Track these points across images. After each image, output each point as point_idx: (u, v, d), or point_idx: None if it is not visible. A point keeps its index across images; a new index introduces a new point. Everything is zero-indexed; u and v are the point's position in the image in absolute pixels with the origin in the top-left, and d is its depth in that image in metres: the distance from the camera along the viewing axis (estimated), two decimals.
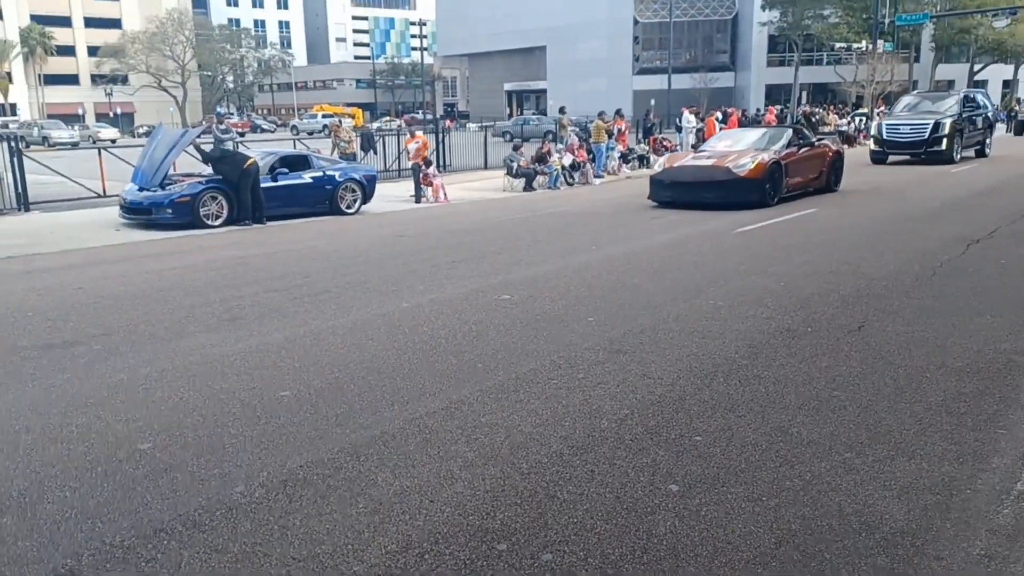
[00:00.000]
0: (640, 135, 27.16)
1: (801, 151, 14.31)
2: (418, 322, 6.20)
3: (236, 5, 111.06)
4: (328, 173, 13.95)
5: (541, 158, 18.47)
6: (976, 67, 57.26)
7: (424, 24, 78.70)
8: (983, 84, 55.27)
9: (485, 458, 3.69)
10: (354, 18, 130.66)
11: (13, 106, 70.22)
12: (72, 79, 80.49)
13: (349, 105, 78.70)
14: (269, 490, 3.40)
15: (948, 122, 20.83)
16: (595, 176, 19.63)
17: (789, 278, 7.59)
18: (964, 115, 21.58)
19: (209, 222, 12.22)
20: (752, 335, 5.67)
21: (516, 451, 3.77)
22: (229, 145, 14.44)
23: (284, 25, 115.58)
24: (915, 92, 28.62)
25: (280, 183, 13.20)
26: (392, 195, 16.50)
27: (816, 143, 15.39)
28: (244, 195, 12.46)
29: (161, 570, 2.84)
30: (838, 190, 15.22)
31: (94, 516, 3.20)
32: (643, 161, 22.29)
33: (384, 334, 5.88)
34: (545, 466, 3.61)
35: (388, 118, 70.83)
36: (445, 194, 16.06)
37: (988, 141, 23.35)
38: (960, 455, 3.67)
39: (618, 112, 23.45)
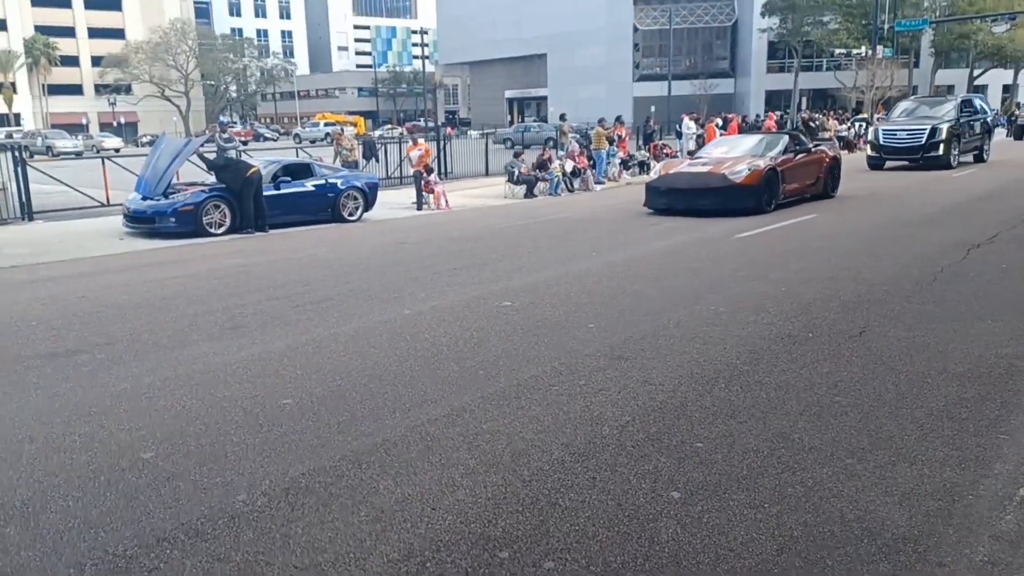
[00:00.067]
0: (640, 141, 27.21)
1: (798, 157, 14.26)
2: (420, 329, 6.21)
3: (239, 15, 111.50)
4: (330, 181, 13.99)
5: (542, 165, 18.51)
6: (976, 72, 57.32)
7: (425, 32, 78.90)
8: (983, 89, 55.33)
9: (487, 465, 3.70)
10: (356, 27, 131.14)
11: (17, 116, 70.47)
12: (76, 89, 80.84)
13: (351, 113, 78.97)
14: (271, 498, 3.41)
15: (945, 127, 20.77)
16: (596, 182, 19.67)
17: (789, 284, 7.60)
18: (962, 120, 21.51)
19: (212, 230, 12.26)
20: (753, 341, 5.67)
21: (518, 458, 3.77)
22: (232, 154, 14.49)
23: (286, 34, 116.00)
24: (912, 97, 28.55)
25: (282, 191, 13.25)
26: (394, 202, 16.54)
27: (813, 149, 15.31)
28: (247, 203, 12.50)
29: None
30: (836, 196, 15.17)
31: (97, 525, 3.21)
32: (643, 167, 22.30)
33: (386, 341, 5.89)
34: (547, 473, 3.61)
35: (390, 126, 71.03)
36: (446, 201, 16.10)
37: (987, 146, 23.28)
38: (962, 461, 3.67)
39: (618, 119, 23.49)
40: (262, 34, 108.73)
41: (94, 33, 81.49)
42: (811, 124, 31.54)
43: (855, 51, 49.12)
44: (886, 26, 41.16)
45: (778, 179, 13.36)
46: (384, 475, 3.61)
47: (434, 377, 5.02)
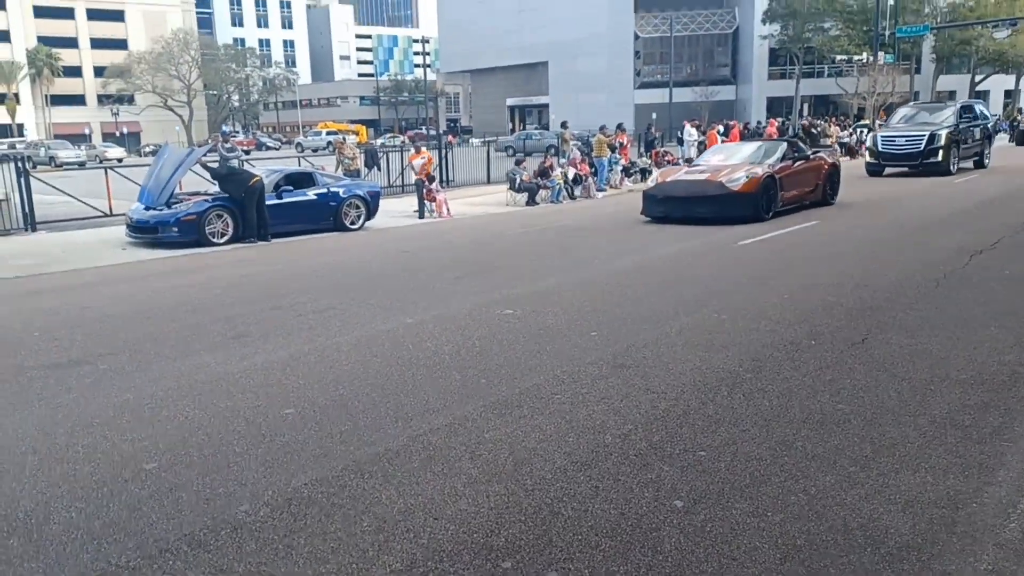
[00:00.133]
0: (642, 149, 27.25)
1: (796, 164, 14.19)
2: (422, 338, 6.21)
3: (241, 25, 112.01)
4: (332, 190, 14.02)
5: (543, 172, 18.54)
6: (977, 78, 57.38)
7: (427, 41, 79.15)
8: (985, 94, 55.41)
9: (489, 475, 3.70)
10: (358, 36, 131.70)
11: (20, 126, 70.75)
12: (79, 99, 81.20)
13: (353, 122, 79.20)
14: (274, 509, 3.41)
15: (944, 133, 20.70)
16: (597, 190, 19.69)
17: (791, 291, 7.59)
18: (961, 126, 21.45)
19: (215, 240, 12.29)
20: (755, 348, 5.67)
21: (520, 467, 3.77)
22: (234, 163, 14.54)
23: (289, 44, 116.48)
24: (912, 103, 28.52)
25: (285, 200, 13.27)
26: (396, 211, 16.57)
27: (811, 156, 15.25)
28: (249, 212, 12.53)
29: None
30: (835, 203, 15.09)
31: (100, 537, 3.21)
32: (645, 174, 22.32)
33: (388, 350, 5.90)
34: (549, 482, 3.61)
35: (391, 134, 71.24)
36: (448, 209, 16.13)
37: (987, 152, 23.20)
38: (965, 468, 3.66)
39: (619, 126, 23.55)
40: (264, 44, 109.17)
41: (97, 44, 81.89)
42: (812, 131, 31.59)
43: (856, 57, 49.26)
44: (887, 32, 41.16)
45: (776, 186, 13.28)
46: (386, 485, 3.61)
47: (436, 386, 5.02)
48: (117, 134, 71.00)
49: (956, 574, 2.83)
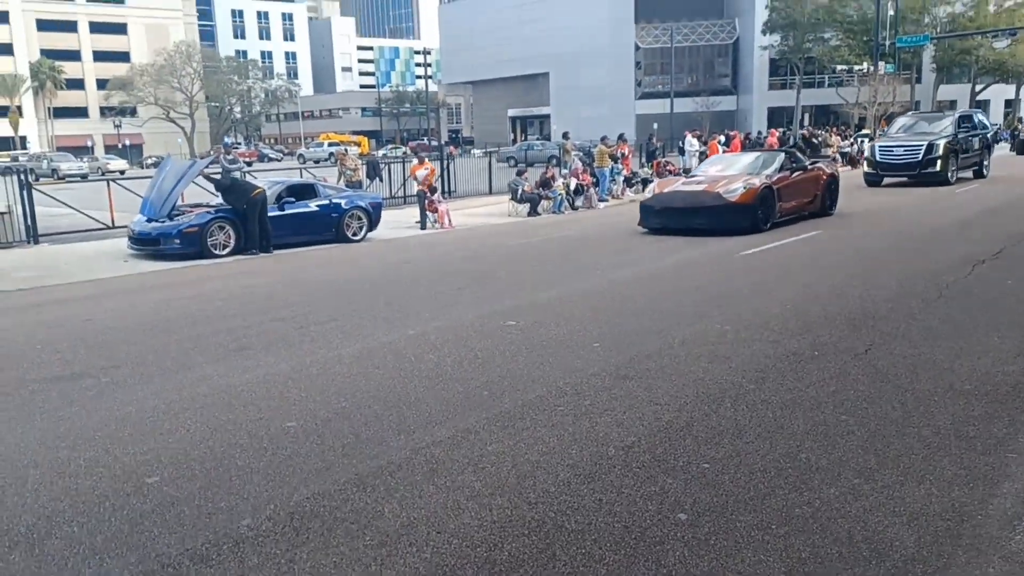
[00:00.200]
0: (643, 159, 27.30)
1: (794, 175, 14.10)
2: (424, 350, 6.21)
3: (243, 37, 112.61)
4: (334, 201, 14.05)
5: (545, 183, 18.58)
6: (978, 87, 57.50)
7: (428, 53, 79.50)
8: (985, 104, 55.49)
9: (492, 488, 3.68)
10: (359, 48, 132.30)
11: (23, 139, 71.02)
12: (81, 112, 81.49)
13: (355, 133, 79.47)
14: (276, 523, 3.40)
15: (942, 143, 20.63)
16: (599, 200, 19.72)
17: (794, 301, 7.58)
18: (960, 136, 21.41)
19: (217, 252, 12.30)
20: (759, 359, 5.66)
21: (523, 480, 3.76)
22: (236, 175, 14.58)
23: (291, 56, 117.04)
24: (910, 113, 28.43)
25: (287, 212, 13.31)
26: (397, 221, 16.60)
27: (810, 166, 15.15)
28: (252, 224, 12.55)
29: None
30: (834, 213, 14.98)
31: (102, 552, 3.20)
32: (646, 184, 22.36)
33: (390, 362, 5.89)
34: (553, 495, 3.60)
35: (393, 145, 71.43)
36: (450, 220, 16.15)
37: (986, 162, 23.12)
38: (970, 480, 3.65)
39: (621, 136, 23.60)
40: (266, 56, 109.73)
41: (99, 56, 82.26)
42: (813, 140, 31.61)
43: (857, 67, 49.36)
44: (887, 42, 41.30)
45: (774, 197, 13.16)
46: (389, 499, 3.60)
47: (439, 398, 5.01)
48: (119, 146, 71.25)
49: None
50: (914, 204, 16.76)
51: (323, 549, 3.17)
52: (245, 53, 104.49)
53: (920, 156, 20.63)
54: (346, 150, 26.03)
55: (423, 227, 15.93)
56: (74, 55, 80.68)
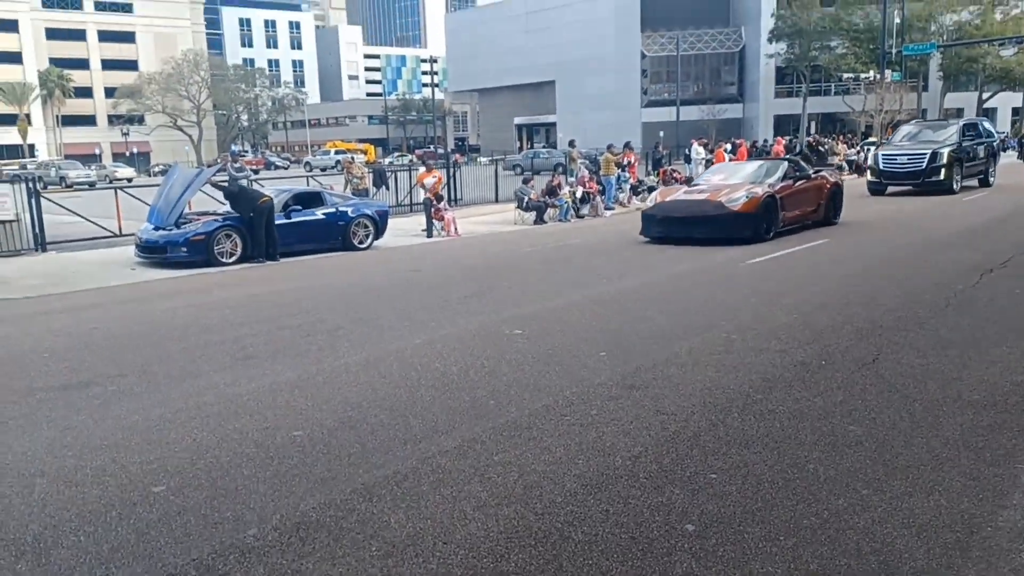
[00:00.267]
0: (650, 167, 27.32)
1: (797, 184, 13.97)
2: (430, 358, 6.20)
3: (251, 46, 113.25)
4: (341, 209, 14.08)
5: (551, 191, 18.59)
6: (985, 95, 57.35)
7: (435, 61, 79.86)
8: (992, 112, 55.36)
9: (499, 498, 3.67)
10: (366, 56, 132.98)
11: (32, 147, 71.48)
12: (89, 120, 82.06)
13: (361, 141, 79.74)
14: (282, 533, 3.39)
15: (946, 151, 20.45)
16: (605, 208, 19.72)
17: (801, 310, 7.56)
18: (964, 144, 21.25)
19: (224, 260, 12.33)
20: (766, 369, 5.64)
21: (530, 490, 3.75)
22: (243, 182, 14.64)
23: (298, 64, 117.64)
24: (915, 121, 28.29)
25: (294, 220, 13.35)
26: (404, 229, 16.62)
27: (813, 175, 14.99)
28: (258, 232, 12.59)
29: None
30: (838, 222, 14.82)
31: (108, 561, 3.20)
32: (652, 192, 22.36)
33: (396, 371, 5.89)
34: (559, 506, 3.58)
35: (399, 153, 71.61)
36: (456, 228, 16.16)
37: (992, 170, 22.94)
38: (979, 491, 3.62)
39: (627, 144, 23.61)
40: (273, 64, 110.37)
41: (108, 65, 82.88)
42: (819, 148, 31.60)
43: (863, 75, 49.33)
44: (894, 50, 41.21)
45: (777, 206, 13.02)
46: (395, 508, 3.59)
47: (445, 407, 5.00)
48: (127, 154, 71.67)
49: None
50: (919, 213, 16.69)
51: (329, 559, 3.16)
52: (252, 61, 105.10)
53: (924, 165, 20.50)
54: (352, 158, 26.07)
55: (429, 235, 15.95)
56: (83, 63, 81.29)
